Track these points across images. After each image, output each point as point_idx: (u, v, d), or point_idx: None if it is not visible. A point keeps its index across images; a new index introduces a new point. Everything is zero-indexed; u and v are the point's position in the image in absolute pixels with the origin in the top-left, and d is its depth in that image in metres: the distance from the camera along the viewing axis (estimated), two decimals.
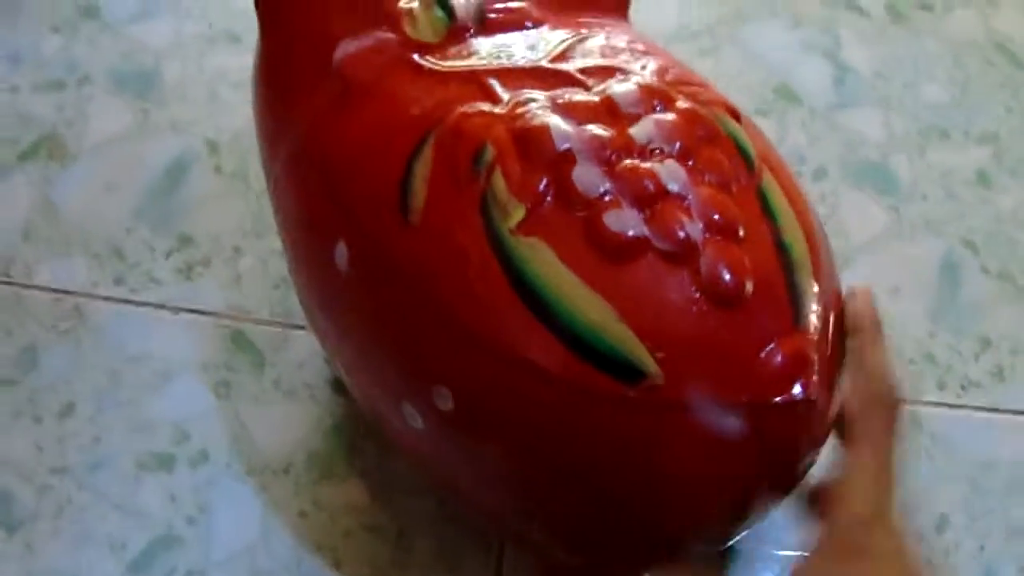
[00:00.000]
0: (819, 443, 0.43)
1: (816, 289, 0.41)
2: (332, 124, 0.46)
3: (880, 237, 0.65)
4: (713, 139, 0.42)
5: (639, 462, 0.39)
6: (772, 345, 0.39)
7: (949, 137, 0.69)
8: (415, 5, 0.48)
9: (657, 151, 0.41)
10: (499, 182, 0.39)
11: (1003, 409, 0.60)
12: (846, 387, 0.44)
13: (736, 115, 0.44)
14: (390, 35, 0.47)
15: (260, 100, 0.52)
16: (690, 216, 0.39)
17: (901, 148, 0.68)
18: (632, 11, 0.51)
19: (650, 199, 0.39)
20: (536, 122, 0.41)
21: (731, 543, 0.46)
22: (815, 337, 0.40)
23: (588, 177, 0.39)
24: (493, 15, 0.47)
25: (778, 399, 0.38)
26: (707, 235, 0.39)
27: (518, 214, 0.39)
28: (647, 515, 0.41)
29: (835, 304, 0.43)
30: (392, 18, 0.47)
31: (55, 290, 0.62)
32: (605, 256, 0.39)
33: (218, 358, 0.60)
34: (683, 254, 0.39)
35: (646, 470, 0.39)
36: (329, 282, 0.45)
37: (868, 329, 0.45)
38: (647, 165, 0.40)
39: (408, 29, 0.47)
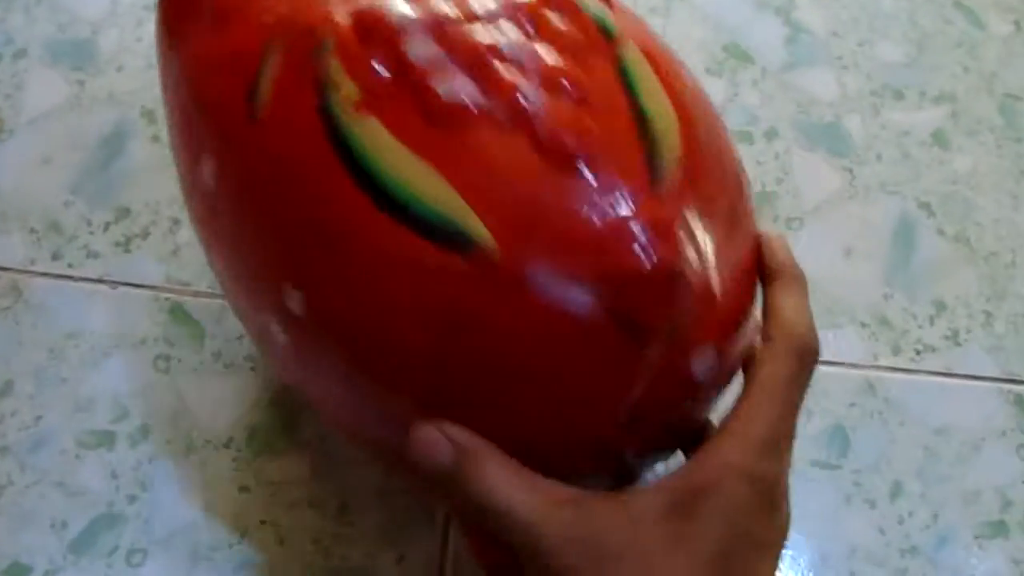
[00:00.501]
0: (710, 339, 0.40)
1: (684, 160, 0.39)
2: (201, 46, 0.44)
3: (833, 198, 0.64)
4: (564, 10, 0.40)
5: (482, 347, 0.37)
6: (626, 212, 0.36)
7: (904, 97, 0.67)
8: None
9: (497, 20, 0.39)
10: (334, 64, 0.38)
11: (958, 374, 0.60)
12: (759, 332, 0.43)
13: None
14: None
15: (157, 39, 0.50)
16: (528, 80, 0.37)
17: (855, 108, 0.67)
18: None
19: (483, 65, 0.38)
20: (375, 5, 0.39)
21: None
22: (684, 207, 0.38)
23: (420, 48, 0.38)
24: None
25: (631, 270, 0.36)
26: (547, 98, 0.37)
27: (352, 94, 0.38)
28: (499, 418, 0.39)
29: (733, 202, 0.41)
30: None
31: None
32: (436, 126, 0.37)
33: (157, 332, 0.59)
34: (519, 118, 0.37)
35: (492, 359, 0.37)
36: (200, 199, 0.44)
37: (784, 274, 0.44)
38: (481, 29, 0.38)
39: None
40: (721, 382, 0.43)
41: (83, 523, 0.55)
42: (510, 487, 0.38)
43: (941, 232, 0.64)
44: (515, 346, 0.37)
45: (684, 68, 0.44)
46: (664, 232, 0.37)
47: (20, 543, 0.54)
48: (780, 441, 0.41)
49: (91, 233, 0.62)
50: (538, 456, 0.39)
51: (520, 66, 0.38)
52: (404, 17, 0.39)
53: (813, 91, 0.68)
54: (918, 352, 0.60)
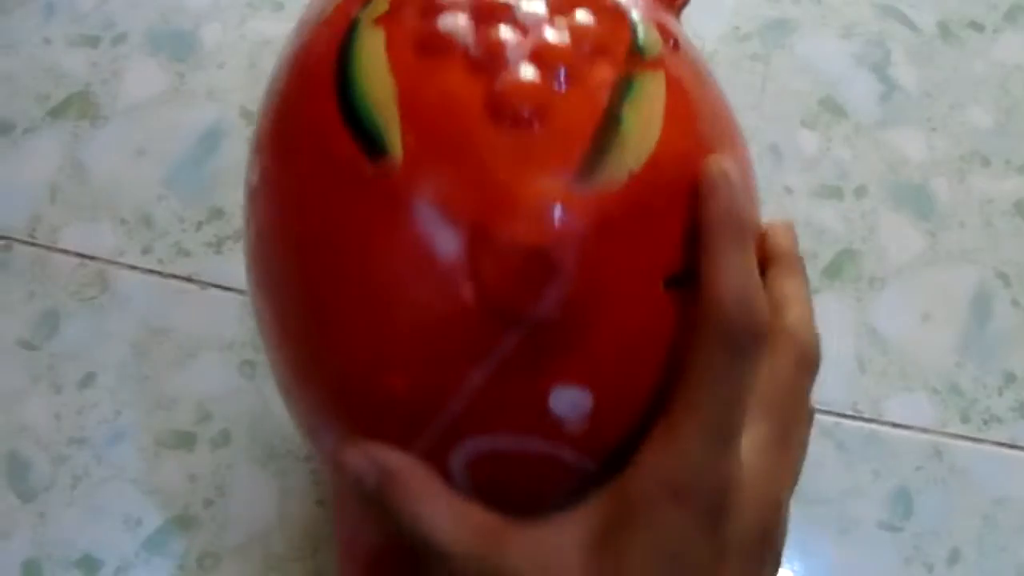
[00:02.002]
0: (577, 378, 0.37)
1: (636, 182, 0.36)
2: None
3: (915, 262, 0.64)
4: (605, 14, 0.39)
5: (350, 259, 0.37)
6: (534, 184, 0.35)
7: (990, 164, 0.68)
8: None
9: None
10: None
11: (1022, 446, 0.60)
12: None
13: (664, 31, 0.41)
14: None
15: None
16: (520, 45, 0.37)
17: (942, 171, 0.67)
18: (687, 8, 0.50)
19: (490, 16, 0.38)
20: None
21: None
22: (602, 220, 0.36)
23: None
24: None
25: (507, 236, 0.35)
26: (526, 66, 0.37)
27: (381, 9, 0.39)
28: (350, 341, 0.38)
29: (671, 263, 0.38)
30: None
31: (80, 255, 0.61)
32: (419, 48, 0.37)
33: (244, 337, 0.59)
34: (487, 65, 0.37)
35: (354, 273, 0.37)
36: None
37: (782, 260, 0.39)
38: None
39: None
40: (596, 440, 0.39)
41: (157, 522, 0.55)
42: (432, 512, 0.37)
43: (1016, 304, 0.64)
44: (378, 267, 0.37)
45: (729, 131, 0.42)
46: (564, 226, 0.35)
47: (93, 536, 0.55)
48: (719, 448, 0.36)
49: (183, 231, 0.62)
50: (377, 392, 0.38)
51: (523, 31, 0.38)
52: None
53: (903, 151, 0.68)
54: (985, 422, 0.61)
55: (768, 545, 0.38)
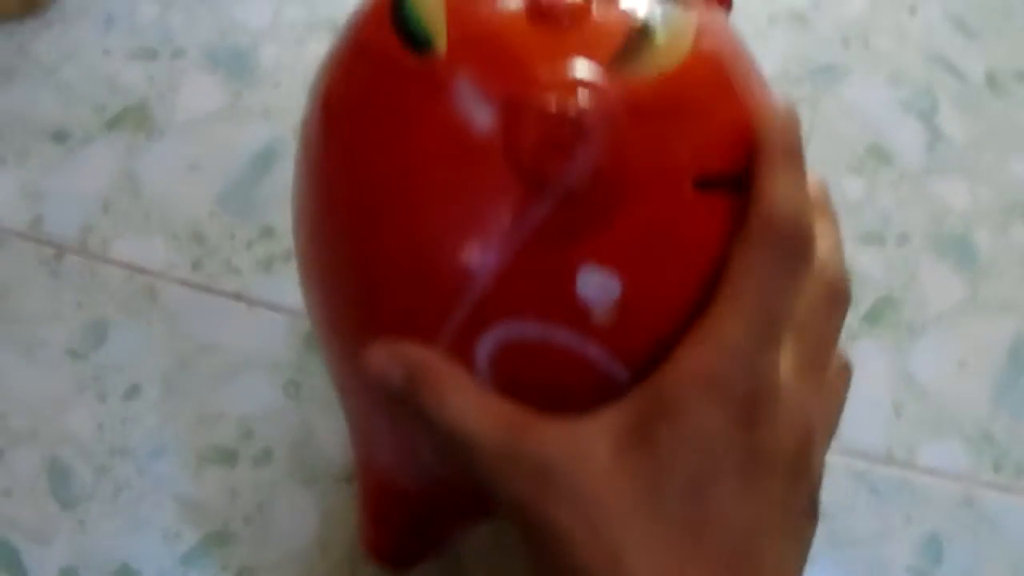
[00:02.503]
0: (605, 258, 0.37)
1: (670, 82, 0.39)
2: None
3: (954, 311, 0.65)
4: None
5: (393, 140, 0.39)
6: (566, 68, 0.38)
7: None
8: None
9: None
10: None
11: None
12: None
13: None
14: None
15: None
16: None
17: (984, 222, 0.68)
18: None
19: None
20: None
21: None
22: (635, 108, 0.38)
23: None
24: None
25: (537, 104, 0.37)
26: None
27: None
28: (389, 219, 0.39)
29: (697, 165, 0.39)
30: None
31: (130, 267, 0.62)
32: None
33: (290, 357, 0.60)
34: None
35: (397, 153, 0.39)
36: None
37: (774, 150, 0.38)
38: None
39: None
40: (623, 339, 0.39)
41: (197, 537, 0.55)
42: (462, 406, 0.37)
43: None
44: (417, 146, 0.39)
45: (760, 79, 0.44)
46: (594, 102, 0.37)
47: (132, 547, 0.55)
48: (756, 347, 0.36)
49: (233, 248, 0.63)
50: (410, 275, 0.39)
51: None
52: None
53: (947, 200, 0.68)
54: (1018, 471, 0.61)
55: (800, 471, 0.38)
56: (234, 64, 0.69)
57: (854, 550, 0.58)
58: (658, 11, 0.40)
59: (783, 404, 0.36)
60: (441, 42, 0.39)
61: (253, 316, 0.61)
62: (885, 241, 0.66)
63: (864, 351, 0.63)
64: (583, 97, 0.37)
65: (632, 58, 0.39)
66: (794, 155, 0.37)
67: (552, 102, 0.37)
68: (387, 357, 0.39)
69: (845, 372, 0.42)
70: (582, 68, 0.38)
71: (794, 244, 0.36)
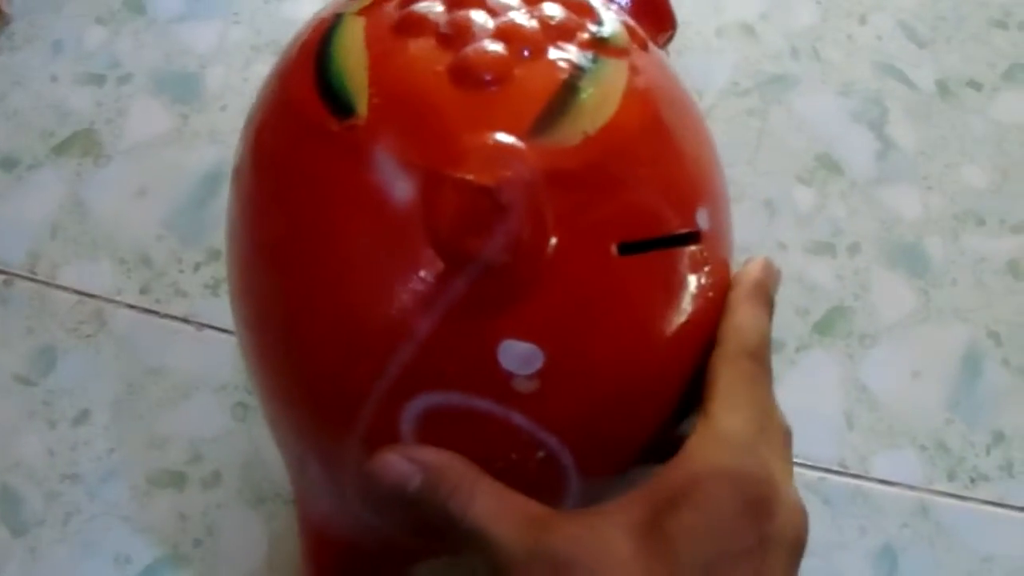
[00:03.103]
0: (526, 332, 0.38)
1: (594, 144, 0.38)
2: None
3: (907, 320, 0.65)
4: (575, 10, 0.42)
5: (315, 205, 0.39)
6: (488, 135, 0.37)
7: (984, 223, 0.68)
8: None
9: None
10: None
11: (1008, 505, 0.60)
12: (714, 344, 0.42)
13: (634, 31, 0.43)
14: None
15: None
16: (488, 22, 0.40)
17: (936, 230, 0.68)
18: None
19: (464, 4, 0.40)
20: None
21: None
22: (557, 176, 0.37)
23: None
24: None
25: (459, 179, 0.36)
26: (492, 42, 0.39)
27: (365, 1, 0.42)
28: (311, 280, 0.39)
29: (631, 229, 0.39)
30: None
31: (79, 292, 0.62)
32: (395, 29, 0.40)
33: (238, 379, 0.60)
34: (455, 40, 0.39)
35: (319, 218, 0.39)
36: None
37: (743, 289, 0.42)
38: None
39: None
40: (549, 407, 0.39)
41: (147, 560, 0.55)
42: (485, 508, 0.38)
43: (1006, 363, 0.64)
44: (337, 215, 0.38)
45: (696, 123, 0.44)
46: (514, 171, 0.36)
47: (83, 573, 0.55)
48: (758, 442, 0.39)
49: (181, 271, 0.63)
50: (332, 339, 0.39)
51: (492, 14, 0.40)
52: None
53: (898, 209, 0.69)
54: (972, 480, 0.61)
55: (799, 552, 0.39)
56: (181, 87, 0.69)
57: (808, 561, 0.57)
58: (586, 63, 0.40)
59: (782, 490, 0.38)
60: (363, 106, 0.38)
61: (201, 339, 0.61)
62: (836, 251, 0.67)
63: (816, 361, 0.63)
64: (502, 171, 0.36)
65: (556, 121, 0.38)
66: (757, 282, 0.43)
67: (471, 176, 0.36)
68: (403, 463, 0.39)
69: (788, 437, 0.42)
70: (503, 137, 0.37)
71: (759, 353, 0.41)
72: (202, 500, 0.57)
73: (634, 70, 0.41)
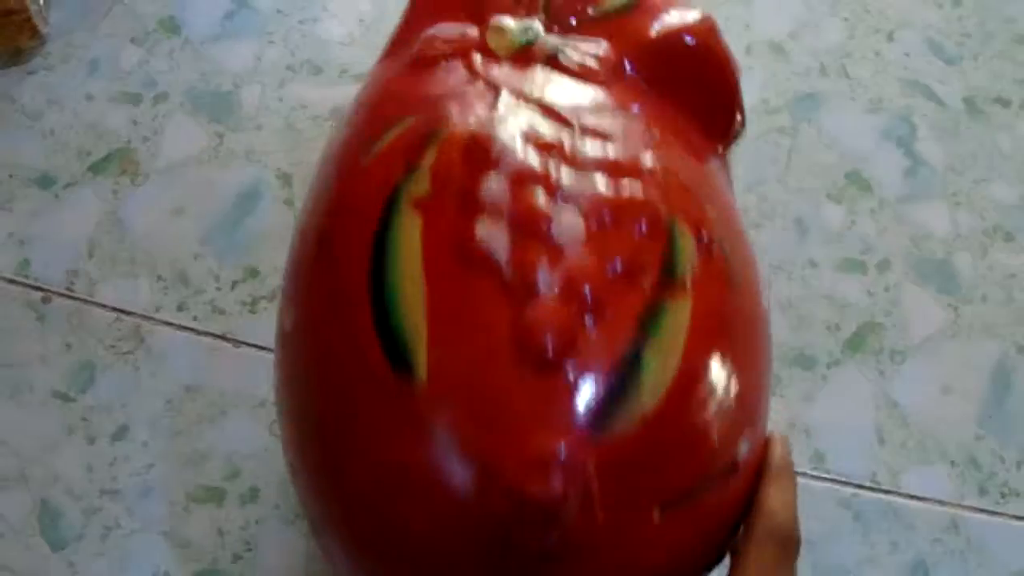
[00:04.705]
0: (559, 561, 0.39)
1: (651, 421, 0.38)
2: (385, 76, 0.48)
3: (937, 335, 0.65)
4: (646, 231, 0.40)
5: (373, 457, 0.38)
6: (547, 438, 0.37)
7: (1014, 239, 0.69)
8: (508, 22, 0.47)
9: (576, 199, 0.40)
10: (430, 156, 0.40)
11: None
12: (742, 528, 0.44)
13: (701, 236, 0.42)
14: (474, 34, 0.47)
15: None
16: (551, 271, 0.38)
17: (965, 246, 0.68)
18: None
19: (528, 229, 0.39)
20: (493, 131, 0.41)
21: None
22: (616, 469, 0.37)
23: (493, 187, 0.39)
24: (565, 60, 0.46)
25: (513, 481, 0.36)
26: (554, 293, 0.38)
27: (423, 187, 0.40)
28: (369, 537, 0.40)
29: (685, 487, 0.40)
30: (484, 22, 0.48)
31: (117, 309, 0.63)
32: (455, 255, 0.38)
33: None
34: (518, 291, 0.38)
35: (369, 478, 0.39)
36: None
37: (769, 471, 0.45)
38: (549, 203, 0.39)
39: (489, 35, 0.47)
40: None
41: (185, 575, 0.56)
42: None
43: None
44: (390, 477, 0.38)
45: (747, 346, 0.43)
46: (572, 480, 0.37)
47: None
48: None
49: (218, 289, 0.63)
50: None
51: (558, 251, 0.39)
52: (505, 151, 0.40)
53: (927, 225, 0.69)
54: (1003, 495, 0.61)
55: None
56: (216, 106, 0.70)
57: None
58: (650, 323, 0.39)
59: None
60: (421, 365, 0.37)
61: (239, 356, 0.62)
62: (867, 268, 0.67)
63: (847, 377, 0.63)
64: (560, 479, 0.36)
65: (616, 410, 0.38)
66: (783, 468, 0.45)
67: (528, 484, 0.36)
68: None
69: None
70: (563, 439, 0.37)
71: (786, 541, 0.44)
72: (240, 516, 0.57)
73: (698, 310, 0.40)
